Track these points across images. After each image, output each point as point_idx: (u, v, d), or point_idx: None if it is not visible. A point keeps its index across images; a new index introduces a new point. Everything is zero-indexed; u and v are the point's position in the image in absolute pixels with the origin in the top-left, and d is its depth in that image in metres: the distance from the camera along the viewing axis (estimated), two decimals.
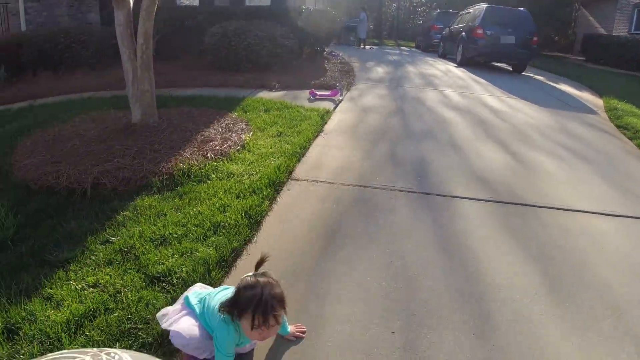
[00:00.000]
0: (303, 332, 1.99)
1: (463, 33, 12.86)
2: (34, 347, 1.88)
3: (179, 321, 1.74)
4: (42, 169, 3.59)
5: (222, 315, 1.64)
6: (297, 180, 3.68)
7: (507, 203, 3.51)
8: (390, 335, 2.03)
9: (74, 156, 3.81)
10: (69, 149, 4.00)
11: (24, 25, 12.72)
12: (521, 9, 12.83)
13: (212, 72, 8.57)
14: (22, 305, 2.12)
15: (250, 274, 1.65)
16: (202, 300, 1.79)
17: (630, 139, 6.00)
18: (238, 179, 3.44)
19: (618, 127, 6.64)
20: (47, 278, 2.32)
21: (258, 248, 2.66)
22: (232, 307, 1.60)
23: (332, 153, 4.39)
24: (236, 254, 2.54)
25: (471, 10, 13.49)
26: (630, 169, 4.66)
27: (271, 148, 4.20)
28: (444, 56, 15.75)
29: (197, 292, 1.89)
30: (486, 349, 1.98)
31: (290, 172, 3.76)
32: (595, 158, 4.89)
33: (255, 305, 1.54)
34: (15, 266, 2.49)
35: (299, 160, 4.05)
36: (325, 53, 12.04)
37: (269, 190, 3.26)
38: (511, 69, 12.90)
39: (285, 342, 1.95)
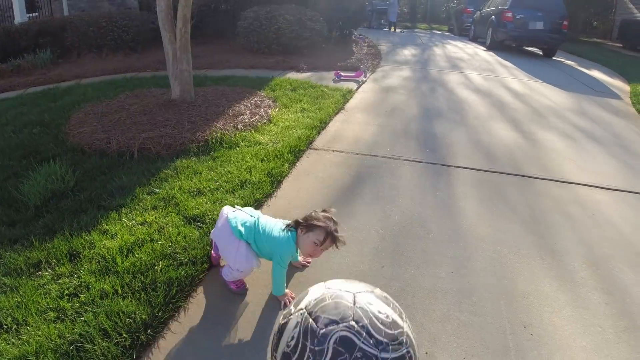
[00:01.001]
0: (309, 262, 2.44)
1: (493, 16, 12.90)
2: (92, 265, 2.38)
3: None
4: (95, 136, 4.14)
5: (288, 233, 2.12)
6: (316, 149, 4.11)
7: (507, 174, 3.84)
8: (380, 268, 2.46)
9: (121, 126, 4.35)
10: (116, 120, 4.55)
11: (66, 10, 13.50)
12: None
13: (243, 55, 9.06)
14: (83, 236, 2.64)
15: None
16: (249, 226, 2.19)
17: None
18: (263, 146, 3.91)
19: (639, 111, 6.75)
20: (103, 218, 2.83)
21: (277, 201, 3.13)
22: (309, 226, 2.07)
23: (350, 127, 4.79)
24: (259, 204, 3.00)
25: None
26: (639, 150, 4.86)
27: (294, 122, 4.64)
28: (474, 40, 15.77)
29: (235, 216, 2.25)
30: (461, 283, 2.38)
31: (310, 143, 4.20)
32: (606, 139, 5.10)
33: (330, 228, 2.04)
34: (76, 210, 3.00)
35: (318, 133, 4.49)
36: (354, 36, 12.32)
37: (289, 156, 3.72)
38: (541, 54, 12.87)
39: (292, 268, 2.41)
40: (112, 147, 3.89)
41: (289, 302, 2.12)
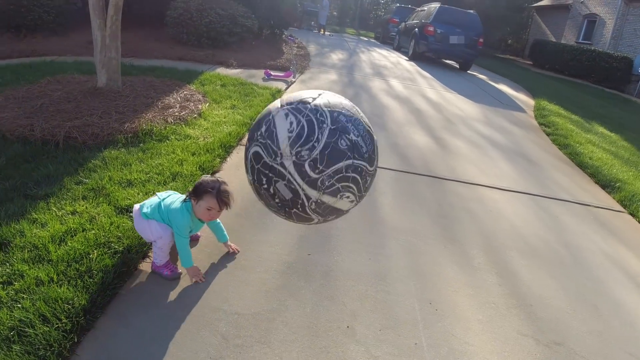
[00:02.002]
0: (237, 250, 2.63)
1: (416, 29, 13.71)
2: (24, 254, 2.39)
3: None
4: (17, 122, 3.97)
5: (183, 203, 2.29)
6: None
7: (419, 174, 4.27)
8: (307, 256, 2.71)
9: (45, 113, 4.21)
10: (39, 107, 4.38)
11: None
12: (471, 11, 13.82)
13: (172, 46, 8.92)
14: (12, 225, 2.61)
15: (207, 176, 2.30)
16: (153, 206, 2.36)
17: (548, 134, 6.96)
18: (194, 140, 4.00)
19: (540, 124, 7.63)
20: (31, 207, 2.79)
21: None
22: (196, 192, 2.26)
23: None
24: None
25: (425, 8, 14.36)
26: (536, 157, 5.56)
27: (225, 118, 4.75)
28: (398, 49, 16.61)
29: (143, 203, 2.43)
30: (377, 267, 2.70)
31: (240, 139, 4.35)
32: (508, 147, 5.77)
33: (217, 190, 2.24)
34: (1, 199, 2.91)
35: (248, 130, 4.63)
36: (284, 36, 12.52)
37: (220, 151, 3.85)
38: (458, 67, 13.89)
39: (225, 250, 2.60)
40: (35, 134, 3.78)
41: (200, 281, 2.34)
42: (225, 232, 2.62)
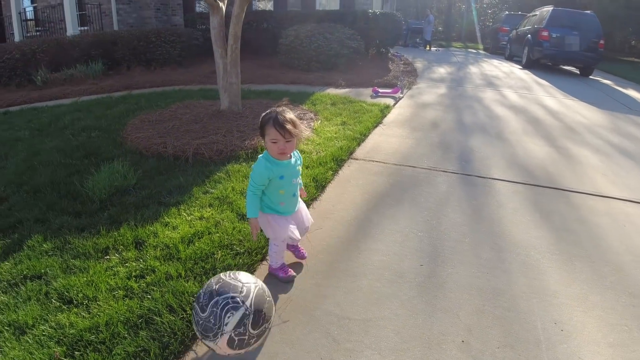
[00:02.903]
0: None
1: (529, 35, 12.95)
2: (157, 252, 2.67)
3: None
4: (152, 141, 4.50)
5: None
6: (356, 159, 4.35)
7: (541, 186, 3.97)
8: (419, 266, 2.65)
9: (175, 132, 4.71)
10: (170, 128, 4.92)
11: (116, 25, 14.33)
12: (588, 11, 12.73)
13: (284, 71, 9.45)
14: (147, 227, 2.94)
15: None
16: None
17: None
18: (308, 155, 4.18)
19: None
20: (164, 212, 3.14)
21: (322, 204, 3.38)
22: (261, 131, 2.18)
23: (388, 140, 5.02)
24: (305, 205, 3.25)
25: (537, 13, 13.53)
26: None
27: (336, 134, 4.90)
28: (510, 58, 15.79)
29: None
30: (495, 282, 2.55)
31: (351, 153, 4.45)
32: (639, 155, 5.15)
33: (273, 119, 2.10)
34: (138, 205, 3.32)
35: (359, 145, 4.73)
36: (389, 54, 12.59)
37: (332, 164, 3.97)
38: (578, 73, 12.82)
39: (338, 257, 2.63)
40: (168, 151, 4.24)
41: (253, 233, 2.31)
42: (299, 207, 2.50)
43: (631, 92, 10.09)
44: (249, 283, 1.80)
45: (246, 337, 1.73)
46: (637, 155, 5.17)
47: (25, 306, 2.23)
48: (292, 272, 2.49)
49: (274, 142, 2.15)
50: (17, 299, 2.31)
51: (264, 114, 2.21)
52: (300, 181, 2.51)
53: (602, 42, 11.90)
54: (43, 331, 2.05)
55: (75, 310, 2.19)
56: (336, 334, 2.09)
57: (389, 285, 2.46)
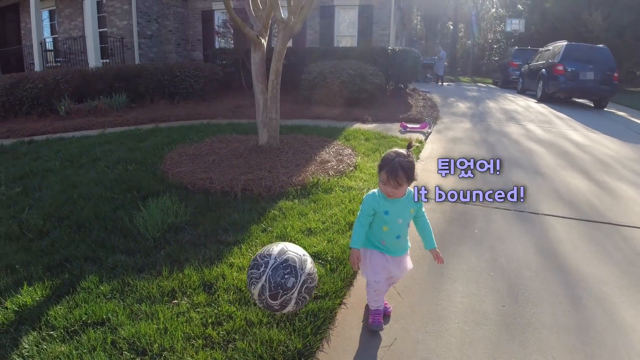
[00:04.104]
0: (442, 261, 2.42)
1: (543, 70, 13.11)
2: (230, 295, 2.57)
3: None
4: (196, 176, 4.47)
5: None
6: None
7: (591, 221, 3.94)
8: (502, 307, 2.57)
9: (218, 167, 4.69)
10: (211, 162, 4.90)
11: (138, 58, 14.60)
12: (601, 45, 12.93)
13: (307, 106, 9.53)
14: (213, 268, 2.85)
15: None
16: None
17: None
18: (357, 191, 4.14)
19: None
20: (226, 252, 3.06)
21: None
22: (379, 168, 2.19)
23: (430, 176, 4.98)
24: None
25: (550, 48, 13.73)
26: None
27: None
28: (523, 92, 15.96)
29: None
30: (578, 319, 2.51)
31: None
32: None
33: (387, 164, 2.12)
34: (196, 243, 3.23)
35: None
36: (408, 89, 12.72)
37: None
38: (592, 105, 12.92)
39: (418, 298, 2.54)
40: (215, 186, 4.20)
41: (355, 264, 2.27)
42: (434, 240, 2.42)
43: None
44: (268, 256, 2.07)
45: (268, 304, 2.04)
46: None
47: (92, 358, 2.06)
48: (378, 321, 2.36)
49: (384, 184, 2.17)
50: (81, 349, 2.11)
51: (386, 153, 2.21)
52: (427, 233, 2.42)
53: (616, 74, 12.06)
54: None
55: None
56: None
57: (479, 328, 2.40)
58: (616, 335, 2.38)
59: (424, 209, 2.39)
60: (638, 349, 2.28)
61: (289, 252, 2.07)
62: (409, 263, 2.43)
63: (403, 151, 2.19)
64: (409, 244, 2.42)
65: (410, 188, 2.30)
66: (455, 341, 2.28)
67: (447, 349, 2.22)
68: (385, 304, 2.48)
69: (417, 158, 5.66)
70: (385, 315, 2.46)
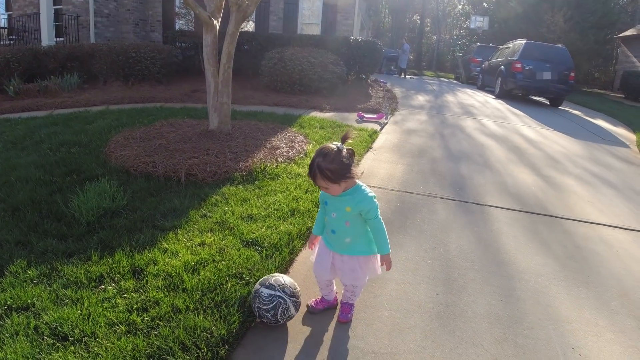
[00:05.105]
0: (389, 268, 2.21)
1: (502, 66, 13.39)
2: (159, 281, 2.48)
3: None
4: (139, 159, 4.30)
5: None
6: None
7: (535, 213, 4.01)
8: (435, 295, 2.58)
9: (164, 151, 4.53)
10: (157, 146, 4.73)
11: (93, 38, 13.96)
12: (559, 45, 13.29)
13: (266, 93, 9.38)
14: (144, 254, 2.74)
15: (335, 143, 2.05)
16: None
17: None
18: (305, 179, 4.08)
19: None
20: (161, 237, 2.94)
21: None
22: None
23: (381, 165, 4.98)
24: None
25: (510, 45, 14.02)
26: None
27: None
28: (482, 88, 16.28)
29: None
30: (512, 309, 2.53)
31: None
32: (619, 184, 5.31)
33: (310, 163, 2.04)
34: (131, 228, 3.09)
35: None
36: (369, 80, 12.74)
37: None
38: (548, 103, 13.30)
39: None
40: (158, 171, 4.05)
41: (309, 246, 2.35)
42: (385, 245, 2.16)
43: (600, 122, 10.51)
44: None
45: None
46: (616, 183, 5.32)
47: (14, 343, 1.98)
48: (312, 306, 2.37)
49: (323, 188, 2.10)
50: (3, 333, 2.04)
51: (319, 147, 2.05)
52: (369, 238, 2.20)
53: (572, 74, 12.42)
54: None
55: (72, 348, 1.95)
56: None
57: (410, 316, 2.38)
58: (550, 328, 2.40)
59: (377, 213, 2.12)
60: (571, 342, 2.30)
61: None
62: (358, 268, 2.20)
63: (332, 147, 2.00)
64: (364, 250, 2.20)
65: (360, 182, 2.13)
66: (385, 328, 2.26)
67: (376, 336, 2.20)
68: (336, 298, 2.43)
69: (370, 147, 5.65)
70: (332, 306, 2.41)
